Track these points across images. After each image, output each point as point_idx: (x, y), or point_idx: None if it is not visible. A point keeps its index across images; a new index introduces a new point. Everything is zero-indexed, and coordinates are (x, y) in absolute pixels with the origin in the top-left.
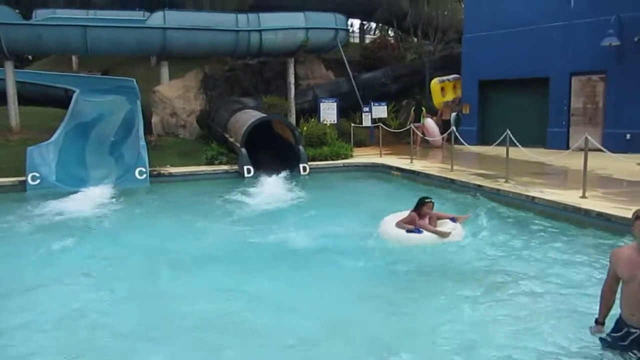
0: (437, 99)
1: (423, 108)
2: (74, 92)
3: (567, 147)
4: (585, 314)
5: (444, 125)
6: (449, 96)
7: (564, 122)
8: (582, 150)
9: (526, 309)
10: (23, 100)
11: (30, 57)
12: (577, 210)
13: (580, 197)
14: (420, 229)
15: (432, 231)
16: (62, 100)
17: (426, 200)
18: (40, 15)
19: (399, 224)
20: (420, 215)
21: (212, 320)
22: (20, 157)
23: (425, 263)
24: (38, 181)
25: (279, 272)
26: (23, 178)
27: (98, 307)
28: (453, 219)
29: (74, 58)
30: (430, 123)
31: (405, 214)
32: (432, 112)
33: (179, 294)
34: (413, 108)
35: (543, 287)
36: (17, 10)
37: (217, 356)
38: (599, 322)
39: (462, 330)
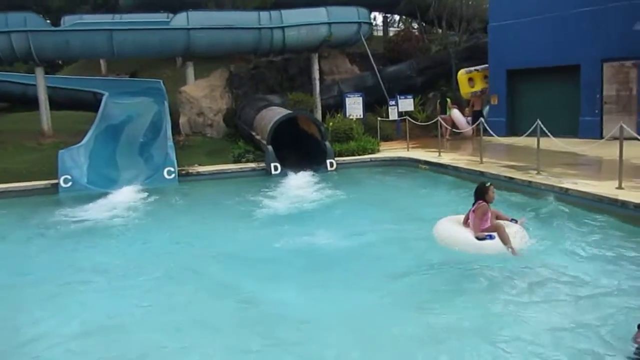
0: (465, 90)
1: (448, 99)
2: (103, 95)
3: (601, 137)
4: None
5: (475, 116)
6: (478, 86)
7: (596, 111)
8: (616, 139)
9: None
10: (54, 104)
11: (60, 62)
12: (613, 202)
13: (617, 188)
14: (493, 235)
15: (507, 239)
16: (91, 104)
17: (487, 185)
18: (68, 21)
19: (470, 228)
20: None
21: (231, 330)
22: (52, 160)
23: (485, 266)
24: (70, 184)
25: (311, 280)
26: (55, 181)
27: (118, 306)
28: (513, 221)
29: (102, 62)
30: (457, 114)
31: (460, 217)
32: (458, 103)
33: (199, 298)
34: (438, 100)
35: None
36: (46, 18)
37: None
38: None
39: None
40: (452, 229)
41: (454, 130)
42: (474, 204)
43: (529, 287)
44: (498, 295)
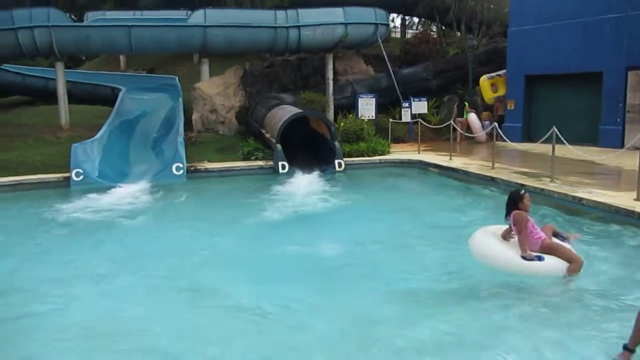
0: (488, 95)
1: (466, 103)
2: (120, 90)
3: (622, 146)
4: None
5: (499, 121)
6: (502, 91)
7: (618, 119)
8: (637, 149)
9: None
10: (74, 99)
11: (83, 58)
12: (630, 213)
13: (635, 200)
14: (542, 256)
15: (564, 256)
16: (109, 99)
17: (522, 192)
18: (91, 17)
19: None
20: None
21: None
22: (67, 153)
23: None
24: (81, 177)
25: (309, 287)
26: (68, 174)
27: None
28: (562, 238)
29: (121, 57)
30: (473, 118)
31: (500, 227)
32: (475, 108)
33: (195, 298)
34: (456, 104)
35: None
36: (68, 14)
37: None
38: (629, 348)
39: None
40: (494, 245)
41: (466, 134)
42: (506, 215)
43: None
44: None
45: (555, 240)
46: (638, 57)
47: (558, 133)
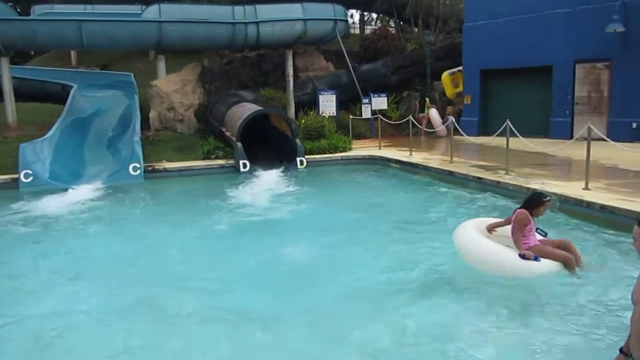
0: (450, 90)
1: (427, 98)
2: (71, 87)
3: (571, 137)
4: None
5: (460, 116)
6: (463, 86)
7: (567, 112)
8: (585, 139)
9: None
10: (21, 96)
11: (32, 52)
12: (579, 202)
13: (583, 189)
14: (538, 256)
15: (560, 258)
16: (60, 96)
17: (544, 200)
18: (38, 10)
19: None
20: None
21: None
22: (15, 153)
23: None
24: (31, 178)
25: (267, 286)
26: (16, 176)
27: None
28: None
29: (73, 53)
30: (434, 113)
31: (481, 221)
32: (434, 102)
33: (150, 299)
34: (418, 99)
35: None
36: (12, 5)
37: None
38: (624, 351)
39: None
40: (485, 243)
41: (426, 130)
42: (525, 206)
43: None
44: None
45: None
46: (585, 50)
47: (512, 126)
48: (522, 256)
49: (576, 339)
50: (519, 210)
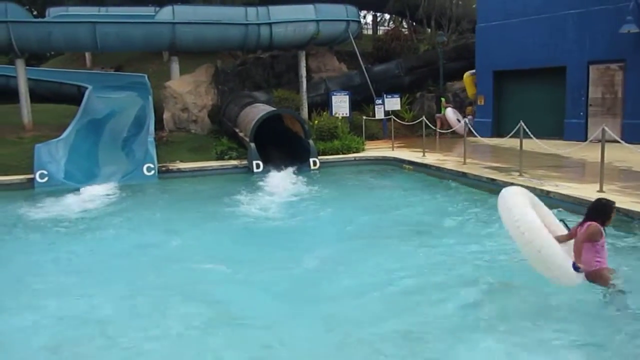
0: (471, 91)
1: (442, 99)
2: (86, 88)
3: (585, 139)
4: None
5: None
6: None
7: (581, 113)
8: (599, 141)
9: None
10: (37, 97)
11: (49, 54)
12: None
13: (597, 192)
14: (579, 267)
15: (606, 284)
16: (75, 97)
17: (613, 206)
18: (53, 13)
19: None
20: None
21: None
22: (31, 154)
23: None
24: (46, 179)
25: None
26: (32, 176)
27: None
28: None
29: (87, 55)
30: (449, 113)
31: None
32: (451, 102)
33: (164, 299)
34: (434, 100)
35: None
36: (27, 8)
37: None
38: None
39: None
40: (547, 236)
41: (440, 130)
42: (583, 222)
43: None
44: None
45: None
46: (599, 51)
47: (525, 127)
48: (577, 268)
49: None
50: (590, 223)
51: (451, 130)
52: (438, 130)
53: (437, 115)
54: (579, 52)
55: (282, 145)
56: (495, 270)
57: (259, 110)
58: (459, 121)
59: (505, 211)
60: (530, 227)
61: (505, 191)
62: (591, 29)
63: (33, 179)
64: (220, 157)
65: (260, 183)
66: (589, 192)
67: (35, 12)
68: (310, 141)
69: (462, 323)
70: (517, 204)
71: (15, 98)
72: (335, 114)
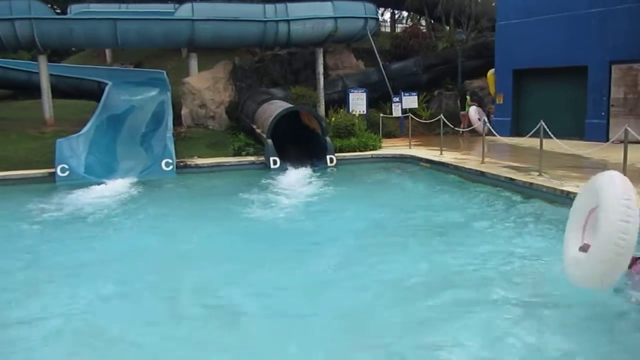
0: (494, 89)
1: (467, 97)
2: (106, 84)
3: (607, 139)
4: None
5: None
6: None
7: (603, 113)
8: (622, 142)
9: None
10: (58, 93)
11: (70, 50)
12: None
13: None
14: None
15: None
16: (95, 93)
17: None
18: (75, 10)
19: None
20: None
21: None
22: (52, 148)
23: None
24: (67, 173)
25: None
26: (53, 170)
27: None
28: None
29: (107, 51)
30: (472, 111)
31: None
32: (478, 101)
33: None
34: (459, 97)
35: None
36: (51, 5)
37: None
38: None
39: None
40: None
41: (462, 129)
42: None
43: None
44: None
45: None
46: (622, 51)
47: (545, 127)
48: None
49: None
50: None
51: (471, 128)
52: (462, 129)
53: (462, 112)
54: (601, 51)
55: (299, 142)
56: (515, 271)
57: (276, 106)
58: (479, 120)
59: (616, 197)
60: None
61: (619, 176)
62: (614, 28)
63: (54, 173)
64: (237, 153)
65: (277, 179)
66: None
67: (57, 10)
68: (327, 138)
69: (482, 323)
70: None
71: (37, 94)
72: (352, 111)
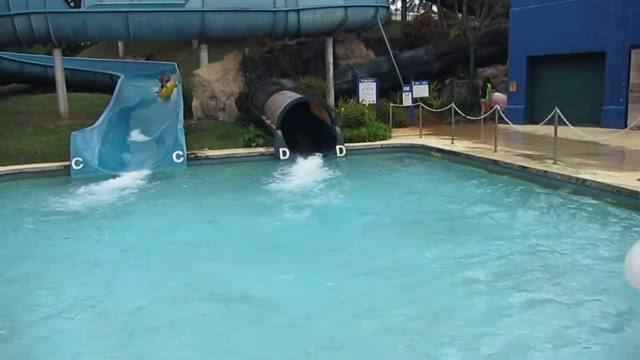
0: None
1: (489, 84)
2: (119, 77)
3: (625, 126)
4: None
5: None
6: None
7: (621, 99)
8: None
9: None
10: (73, 86)
11: (83, 44)
12: (634, 194)
13: (638, 180)
14: None
15: None
16: (108, 86)
17: None
18: (89, 3)
19: None
20: None
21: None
22: (67, 142)
23: None
24: (81, 165)
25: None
26: (68, 163)
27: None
28: None
29: (120, 44)
30: (498, 95)
31: None
32: (475, 90)
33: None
34: (480, 85)
35: None
36: (68, 0)
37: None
38: None
39: None
40: None
41: (480, 117)
42: None
43: None
44: None
45: None
46: None
47: (560, 114)
48: None
49: None
50: None
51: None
52: (483, 116)
53: (482, 100)
54: (620, 36)
55: (308, 132)
56: (531, 260)
57: (286, 97)
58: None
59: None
60: None
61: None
62: (634, 11)
63: (69, 166)
64: (247, 145)
65: (287, 170)
66: (628, 180)
67: (71, 4)
68: (337, 128)
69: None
70: None
71: (53, 88)
72: (362, 101)
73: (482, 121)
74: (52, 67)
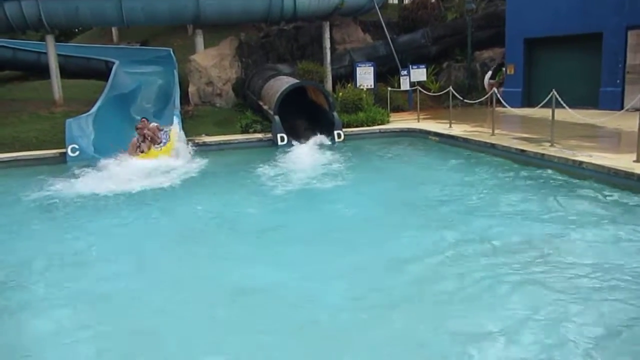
0: None
1: (503, 69)
2: (113, 63)
3: (621, 108)
4: None
5: None
6: None
7: (618, 81)
8: (637, 110)
9: None
10: (67, 73)
11: (77, 30)
12: (629, 176)
13: (634, 162)
14: None
15: None
16: (103, 72)
17: None
18: None
19: None
20: None
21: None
22: (62, 129)
23: None
24: (77, 153)
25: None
26: (64, 150)
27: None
28: None
29: (114, 30)
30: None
31: None
32: (474, 73)
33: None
34: (494, 67)
35: None
36: None
37: None
38: None
39: None
40: None
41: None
42: None
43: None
44: None
45: None
46: (639, 16)
47: (558, 97)
48: None
49: None
50: None
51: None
52: (480, 99)
53: (491, 81)
54: (617, 16)
55: (306, 118)
56: (530, 243)
57: (283, 82)
58: None
59: None
60: None
61: None
62: None
63: (65, 153)
64: (245, 131)
65: (285, 156)
66: (624, 162)
67: None
68: (335, 113)
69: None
70: None
71: (47, 74)
72: (360, 85)
73: (487, 103)
74: (45, 53)
